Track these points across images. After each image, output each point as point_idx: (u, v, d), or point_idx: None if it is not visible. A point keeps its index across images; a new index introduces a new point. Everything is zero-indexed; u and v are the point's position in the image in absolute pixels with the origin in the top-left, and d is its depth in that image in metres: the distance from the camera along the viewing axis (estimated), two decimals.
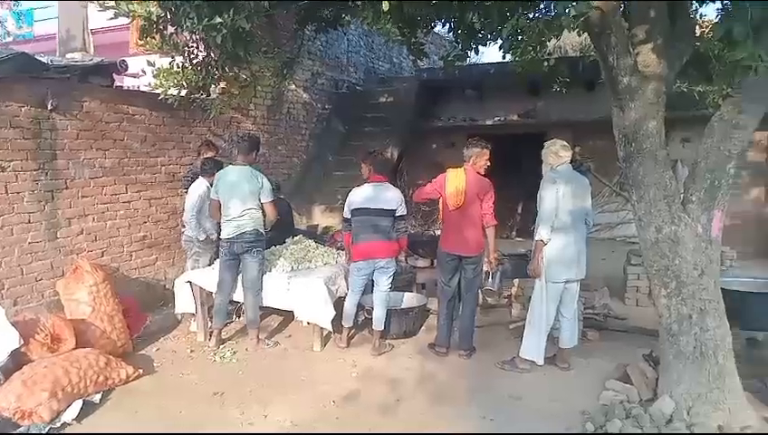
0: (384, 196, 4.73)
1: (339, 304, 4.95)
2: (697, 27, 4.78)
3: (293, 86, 8.54)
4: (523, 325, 4.46)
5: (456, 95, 10.09)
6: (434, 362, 4.64)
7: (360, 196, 4.78)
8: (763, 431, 3.33)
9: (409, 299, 5.59)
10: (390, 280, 4.85)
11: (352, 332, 5.08)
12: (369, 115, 9.79)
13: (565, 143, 4.36)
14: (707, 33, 4.96)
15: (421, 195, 4.83)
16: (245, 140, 5.12)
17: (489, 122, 9.71)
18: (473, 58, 8.13)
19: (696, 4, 4.64)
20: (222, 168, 5.16)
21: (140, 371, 4.34)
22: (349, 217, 4.83)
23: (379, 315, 4.80)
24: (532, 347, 4.30)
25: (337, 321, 4.87)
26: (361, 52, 10.92)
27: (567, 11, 3.17)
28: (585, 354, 4.59)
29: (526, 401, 3.90)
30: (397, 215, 4.73)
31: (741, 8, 3.12)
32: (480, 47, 5.89)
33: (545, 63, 6.76)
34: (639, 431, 3.29)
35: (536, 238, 4.21)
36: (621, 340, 4.93)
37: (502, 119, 9.71)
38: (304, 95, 8.90)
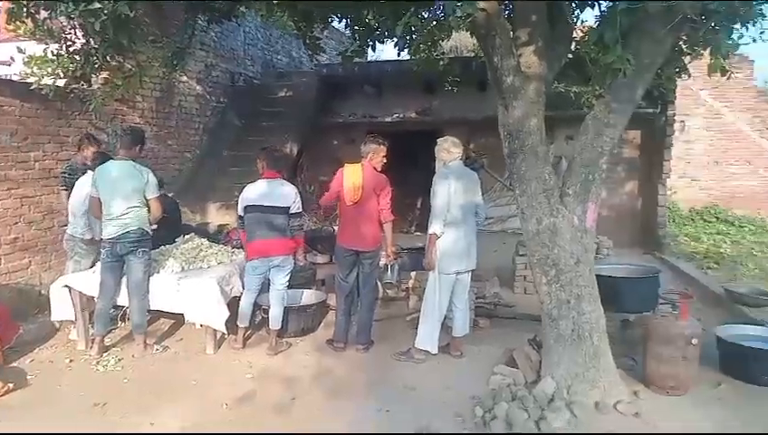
0: (278, 192, 4.65)
1: (234, 304, 4.81)
2: (577, 32, 5.10)
3: (185, 78, 8.18)
4: (419, 317, 4.57)
5: (356, 91, 10.13)
6: (331, 357, 4.63)
7: (254, 192, 4.67)
8: (633, 404, 3.62)
9: (308, 296, 5.54)
10: (287, 278, 4.78)
11: (249, 332, 4.96)
12: (267, 109, 9.59)
13: (456, 140, 4.52)
14: (584, 38, 5.32)
15: (328, 198, 4.79)
16: (128, 134, 4.82)
17: (388, 119, 9.83)
18: (371, 55, 8.20)
19: (576, 11, 4.95)
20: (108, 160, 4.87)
21: (11, 385, 3.97)
22: (242, 214, 4.71)
23: (275, 314, 4.72)
24: (427, 337, 4.41)
25: (232, 322, 4.73)
26: (259, 45, 10.66)
27: (455, 11, 3.27)
28: (477, 342, 4.78)
29: (421, 390, 3.99)
30: (292, 212, 4.67)
31: (611, 15, 3.38)
32: (378, 44, 5.95)
33: (439, 63, 6.97)
34: (524, 412, 3.47)
35: (429, 232, 4.33)
36: (510, 326, 5.18)
37: (400, 116, 9.86)
38: (197, 87, 8.55)
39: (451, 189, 4.28)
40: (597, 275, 3.95)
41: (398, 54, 6.35)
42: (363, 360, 4.59)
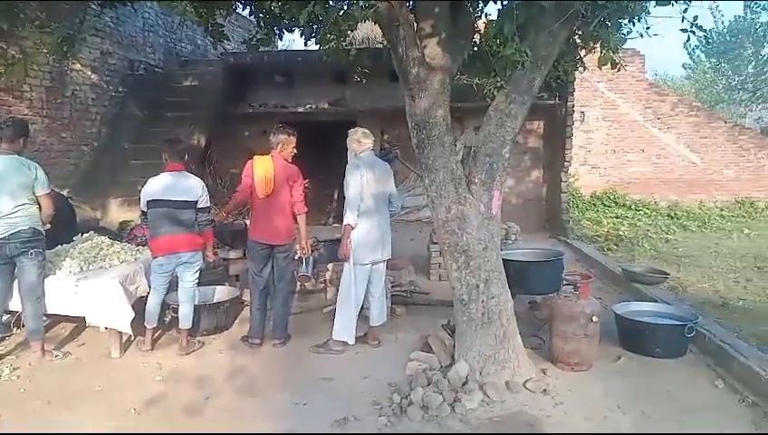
0: (183, 185, 4.47)
1: (140, 304, 4.58)
2: (481, 24, 5.25)
3: (78, 66, 7.66)
4: (336, 308, 4.57)
5: (266, 81, 9.93)
6: (247, 354, 4.53)
7: (157, 186, 4.45)
8: (541, 381, 3.82)
9: (221, 292, 5.39)
10: (196, 275, 4.62)
11: (158, 333, 4.75)
12: (171, 99, 9.18)
13: (366, 131, 4.55)
14: (487, 31, 5.49)
15: (242, 193, 4.64)
16: (9, 126, 4.42)
17: (300, 110, 9.73)
18: (281, 44, 8.04)
19: (480, 4, 5.10)
20: None
21: None
22: (145, 209, 4.50)
23: (185, 312, 4.55)
24: (344, 328, 4.43)
25: (139, 323, 4.51)
26: (160, 31, 10.16)
27: (357, 2, 3.28)
28: (394, 330, 4.86)
29: (339, 381, 4.00)
30: (199, 207, 4.51)
31: (509, 9, 3.52)
32: (287, 33, 5.83)
33: (349, 53, 6.95)
34: (439, 395, 3.57)
35: (344, 223, 4.33)
36: (426, 313, 5.31)
37: (312, 106, 9.79)
38: (93, 76, 8.03)
39: (363, 180, 4.31)
40: (505, 260, 4.13)
41: (305, 44, 6.29)
42: (280, 354, 4.54)
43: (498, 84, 5.21)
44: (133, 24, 9.24)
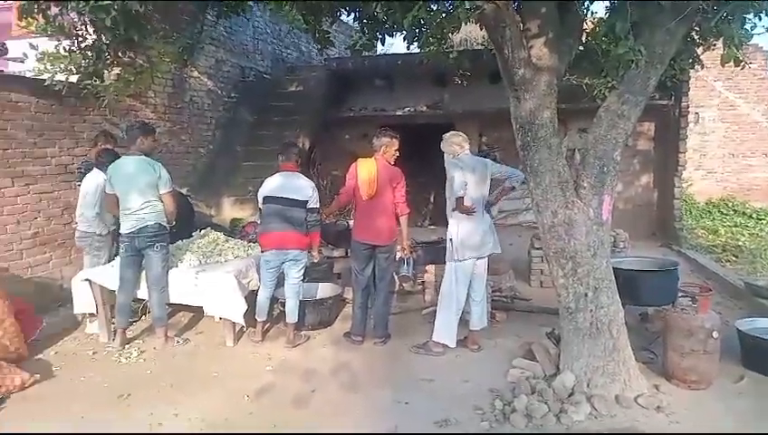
0: (294, 185, 4.67)
1: (252, 297, 4.86)
2: (587, 23, 5.08)
3: (196, 73, 8.21)
4: (436, 310, 4.59)
5: (367, 85, 10.13)
6: (349, 350, 4.66)
7: (272, 184, 4.72)
8: (654, 398, 3.62)
9: (325, 289, 5.57)
10: (301, 272, 4.81)
11: (267, 325, 5.01)
12: (278, 104, 9.60)
13: (463, 135, 4.55)
14: (596, 29, 5.29)
15: (345, 195, 4.80)
16: (135, 128, 4.86)
17: (399, 113, 9.82)
18: (381, 48, 8.19)
19: (586, 2, 4.93)
20: (116, 157, 4.94)
21: (37, 376, 4.04)
22: (260, 205, 4.77)
23: (291, 307, 4.75)
24: (445, 330, 4.43)
25: (251, 315, 4.78)
26: (268, 39, 10.66)
27: (463, 3, 3.28)
28: (493, 335, 4.80)
29: (439, 382, 4.01)
30: (309, 207, 4.68)
31: (622, 7, 3.37)
32: (387, 37, 5.95)
33: (449, 56, 6.96)
34: (544, 405, 3.49)
35: (457, 196, 4.31)
36: (527, 320, 5.19)
37: (411, 109, 9.85)
38: (208, 83, 8.58)
39: (465, 178, 4.30)
40: (615, 268, 3.95)
41: (408, 48, 6.37)
42: (380, 353, 4.62)
43: (609, 84, 4.99)
44: (244, 33, 9.77)
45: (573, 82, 6.84)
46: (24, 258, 5.38)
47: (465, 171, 4.34)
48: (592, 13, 5.38)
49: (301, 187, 4.69)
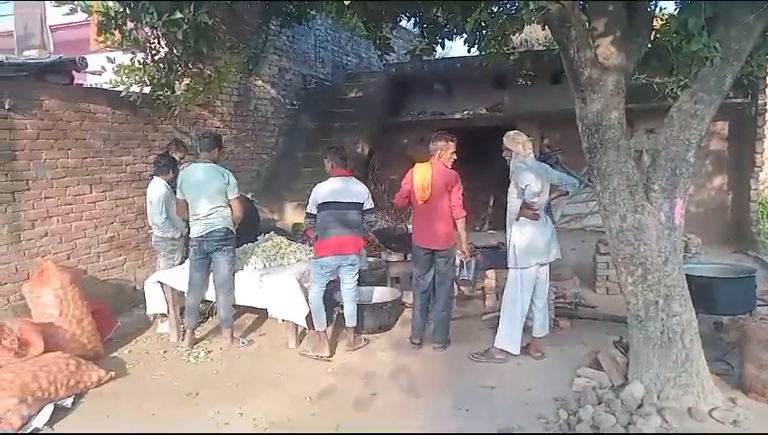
0: (350, 189, 4.69)
1: None
2: (656, 20, 4.88)
3: (260, 82, 8.46)
4: (497, 316, 4.53)
5: (425, 90, 10.12)
6: (408, 355, 4.66)
7: (326, 190, 4.68)
8: (730, 412, 3.43)
9: (383, 293, 5.60)
10: (357, 276, 4.79)
11: (329, 328, 5.07)
12: (338, 110, 9.75)
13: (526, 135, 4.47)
14: (665, 26, 5.08)
15: (400, 198, 4.82)
16: (206, 137, 5.08)
17: (458, 116, 9.77)
18: (440, 52, 8.17)
19: None
20: (176, 164, 5.17)
21: (112, 373, 4.26)
22: (314, 212, 4.70)
23: (350, 312, 4.78)
24: (508, 338, 4.36)
25: (309, 317, 4.85)
26: (329, 47, 10.85)
27: (527, 5, 3.22)
28: (557, 343, 4.68)
29: (501, 390, 3.95)
30: (365, 208, 4.71)
31: (695, 2, 3.22)
32: (446, 41, 5.93)
33: (510, 57, 6.86)
34: (611, 416, 3.37)
35: (529, 200, 4.21)
36: (592, 327, 5.03)
37: (470, 112, 9.78)
38: (272, 91, 8.81)
39: (535, 182, 4.23)
40: (687, 275, 3.76)
41: (468, 51, 6.31)
42: (440, 358, 4.60)
43: (682, 83, 4.77)
44: (306, 42, 9.98)
45: (643, 81, 6.58)
46: (101, 261, 5.69)
47: (533, 173, 4.25)
48: (661, 9, 5.17)
49: (356, 190, 4.71)
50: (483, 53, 6.62)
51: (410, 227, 6.60)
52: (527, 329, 4.49)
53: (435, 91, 10.03)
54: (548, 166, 4.59)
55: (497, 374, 4.20)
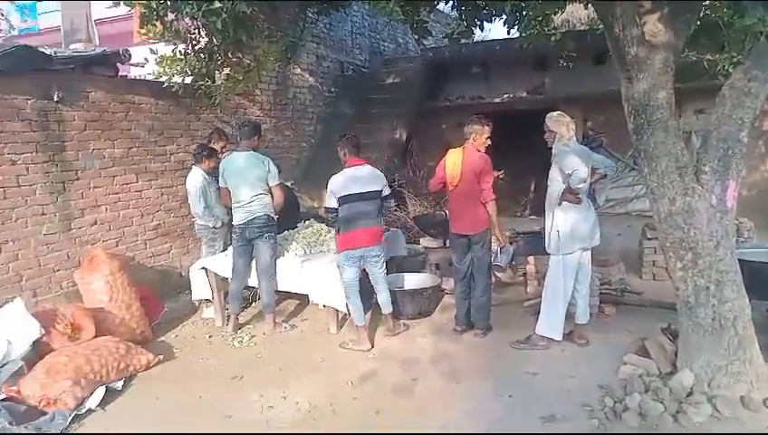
0: (367, 178, 4.53)
1: None
2: None
3: (298, 70, 8.50)
4: (539, 302, 4.46)
5: (463, 74, 9.98)
6: (449, 341, 4.64)
7: (343, 181, 4.51)
8: None
9: (423, 279, 5.58)
10: (384, 265, 4.71)
11: (367, 315, 5.10)
12: (376, 97, 9.71)
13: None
14: (716, 1, 4.86)
15: (434, 184, 4.77)
16: (246, 126, 5.14)
17: (497, 100, 9.61)
18: (478, 35, 8.03)
19: None
20: (214, 154, 5.26)
21: (160, 357, 4.39)
22: (334, 205, 4.53)
23: (384, 299, 4.72)
24: (551, 324, 4.29)
25: None
26: (366, 33, 10.80)
27: None
28: (602, 330, 4.58)
29: (543, 377, 3.90)
30: (384, 195, 4.60)
31: None
32: (485, 23, 5.82)
33: (551, 38, 6.69)
34: (659, 404, 3.28)
35: (575, 187, 4.10)
36: (638, 314, 4.89)
37: (510, 96, 9.61)
38: (310, 79, 8.85)
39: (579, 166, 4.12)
40: (739, 260, 3.60)
41: (508, 32, 6.17)
42: (481, 344, 4.56)
43: (734, 60, 4.57)
44: (343, 29, 9.96)
45: (692, 59, 6.31)
46: (148, 248, 5.86)
47: (577, 156, 4.13)
48: None
49: (373, 178, 4.56)
50: (523, 34, 6.49)
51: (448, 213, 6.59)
52: (570, 315, 4.41)
53: (473, 75, 9.88)
54: (587, 149, 4.45)
55: (540, 361, 4.14)
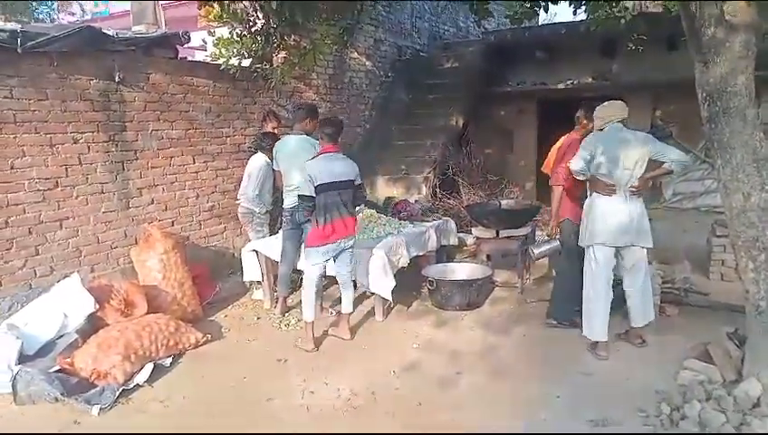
0: (343, 166, 4.31)
1: (400, 274, 4.90)
2: None
3: (355, 54, 8.42)
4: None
5: (525, 58, 9.64)
6: (498, 335, 4.49)
7: (319, 168, 4.21)
8: None
9: (473, 271, 5.44)
10: (353, 261, 4.51)
11: (412, 303, 5.04)
12: (433, 82, 9.54)
13: (620, 104, 4.06)
14: None
15: (566, 172, 4.32)
16: (299, 109, 5.12)
17: (560, 86, 9.26)
18: (543, 18, 7.70)
19: None
20: (276, 139, 5.27)
21: (209, 336, 4.47)
22: (311, 194, 4.19)
23: (347, 298, 4.51)
24: (587, 323, 4.04)
25: (398, 292, 4.82)
26: (426, 16, 10.59)
27: None
28: (663, 331, 4.31)
29: (597, 378, 3.70)
30: (357, 183, 4.39)
31: None
32: (550, 4, 5.56)
33: (621, 21, 6.34)
34: (721, 414, 3.05)
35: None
36: (703, 316, 4.59)
37: (574, 82, 9.22)
38: (367, 63, 8.76)
39: (596, 153, 3.91)
40: None
41: (574, 13, 5.87)
42: (533, 340, 4.38)
43: None
44: (402, 12, 9.79)
45: None
46: (202, 229, 5.97)
47: (602, 145, 3.90)
48: None
49: (347, 165, 4.33)
50: (590, 16, 6.17)
51: (503, 202, 6.40)
52: (625, 315, 4.16)
53: (536, 60, 9.52)
54: (649, 137, 4.03)
55: (594, 361, 3.93)
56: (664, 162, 3.94)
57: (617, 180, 3.88)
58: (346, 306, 4.53)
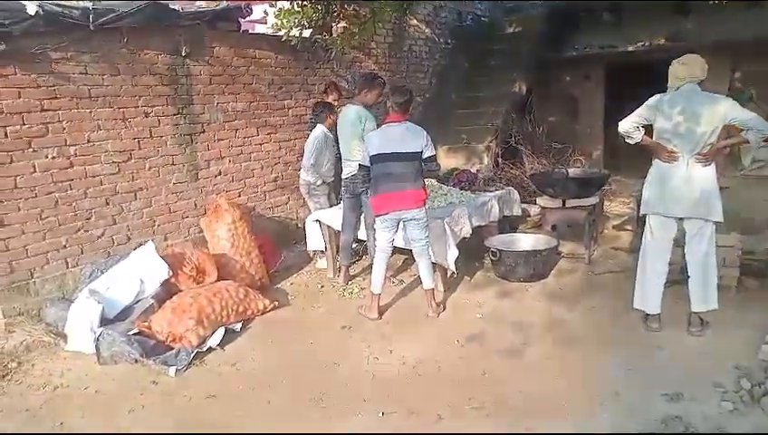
0: (404, 136, 4.14)
1: (462, 244, 4.85)
2: None
3: (415, 21, 8.27)
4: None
5: (592, 21, 9.19)
6: (563, 306, 4.40)
7: (377, 139, 4.17)
8: None
9: (539, 241, 5.32)
10: (426, 232, 4.29)
11: (475, 274, 5.02)
12: (495, 47, 9.26)
13: (699, 63, 3.70)
14: None
15: None
16: (361, 79, 5.09)
17: (630, 48, 8.77)
18: None
19: None
20: (332, 111, 5.30)
21: (276, 303, 4.60)
22: (366, 163, 4.22)
23: (424, 271, 4.34)
24: (640, 294, 3.90)
25: (462, 261, 4.78)
26: None
27: None
28: (742, 304, 4.11)
29: (670, 351, 3.57)
30: (425, 156, 4.16)
31: None
32: None
33: None
34: None
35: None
36: None
37: (646, 44, 8.73)
38: (426, 30, 8.59)
39: (650, 115, 3.69)
40: None
41: None
42: (602, 312, 4.25)
43: None
44: None
45: None
46: (267, 199, 6.11)
47: (672, 107, 3.60)
48: None
49: (411, 136, 4.14)
50: None
51: (570, 171, 6.19)
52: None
53: (604, 22, 9.06)
54: (728, 100, 3.57)
55: (666, 335, 3.78)
56: (742, 130, 3.55)
57: (682, 148, 3.61)
58: (425, 281, 4.35)
